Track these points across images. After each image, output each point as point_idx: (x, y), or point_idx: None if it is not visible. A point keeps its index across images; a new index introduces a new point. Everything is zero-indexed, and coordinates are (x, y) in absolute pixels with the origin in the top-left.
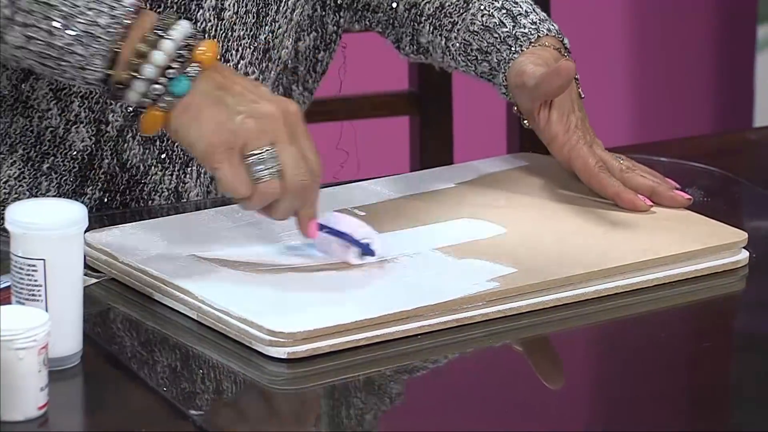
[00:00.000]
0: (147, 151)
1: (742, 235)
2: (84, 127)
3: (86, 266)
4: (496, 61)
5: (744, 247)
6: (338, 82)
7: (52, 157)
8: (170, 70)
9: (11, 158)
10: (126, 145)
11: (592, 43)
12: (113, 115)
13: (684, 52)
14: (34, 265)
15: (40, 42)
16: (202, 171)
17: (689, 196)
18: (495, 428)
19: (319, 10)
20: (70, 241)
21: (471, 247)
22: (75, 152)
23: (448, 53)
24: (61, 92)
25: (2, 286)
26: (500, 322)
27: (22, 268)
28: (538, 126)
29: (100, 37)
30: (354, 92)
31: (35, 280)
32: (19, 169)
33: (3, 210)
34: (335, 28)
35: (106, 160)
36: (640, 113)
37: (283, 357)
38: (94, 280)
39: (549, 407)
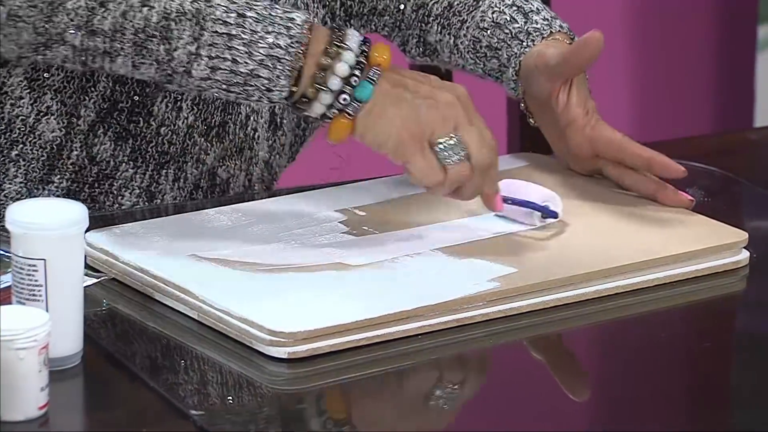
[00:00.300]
0: (118, 148)
1: (742, 235)
2: (55, 118)
3: (87, 266)
4: (506, 56)
5: (744, 247)
6: None
7: (21, 145)
8: (354, 78)
9: None
10: (97, 140)
11: None
12: (85, 110)
13: (684, 52)
14: (34, 265)
15: (225, 71)
16: (181, 176)
17: (692, 198)
18: (495, 428)
19: (329, 21)
20: (70, 241)
21: (472, 247)
22: (44, 142)
23: (456, 52)
24: (35, 83)
25: (2, 286)
26: (501, 322)
27: (22, 268)
28: (556, 109)
29: (283, 59)
30: None
31: (36, 280)
32: None
33: None
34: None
35: (75, 152)
36: (641, 113)
37: (283, 357)
38: (94, 280)
39: (550, 407)
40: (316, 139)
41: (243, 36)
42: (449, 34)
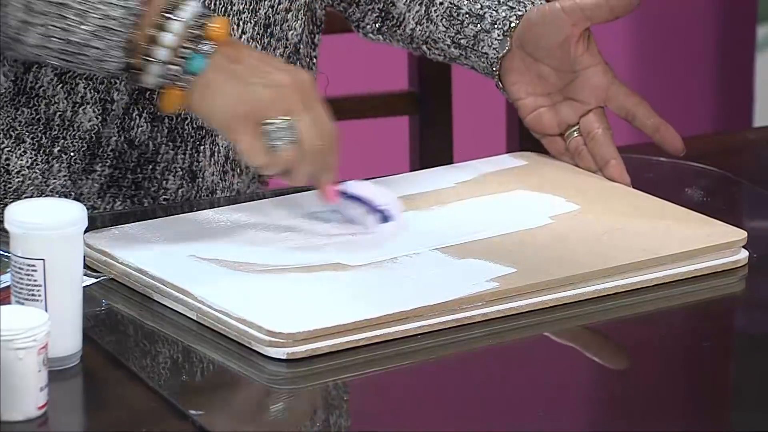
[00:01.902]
0: (155, 128)
1: (741, 234)
2: (90, 107)
3: (86, 266)
4: (489, 21)
5: (744, 247)
6: (331, 80)
7: (62, 140)
8: (184, 50)
9: (20, 149)
10: (133, 123)
11: None
12: (118, 94)
13: (684, 51)
14: (33, 265)
15: (58, 39)
16: (215, 150)
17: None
18: (495, 428)
19: None
20: (69, 240)
21: (470, 247)
22: (83, 132)
23: (426, 20)
24: (66, 75)
25: (2, 286)
26: (500, 322)
27: (21, 268)
28: (575, 53)
29: (115, 29)
30: (354, 92)
31: (35, 280)
32: (31, 157)
33: (19, 198)
34: (323, 11)
35: (114, 138)
36: None
37: (282, 357)
38: (93, 280)
39: (549, 407)
40: None
41: (74, 6)
42: (420, 3)
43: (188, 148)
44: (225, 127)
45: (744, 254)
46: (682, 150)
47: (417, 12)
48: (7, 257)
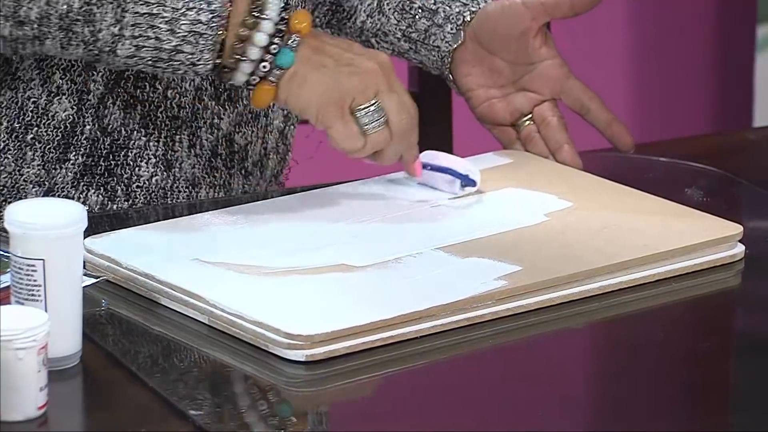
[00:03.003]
0: (128, 116)
1: (737, 229)
2: (66, 98)
3: (85, 266)
4: (442, 15)
5: (743, 247)
6: None
7: (36, 128)
8: (273, 46)
9: None
10: (107, 110)
11: (592, 42)
12: (94, 85)
13: (684, 51)
14: (33, 265)
15: (149, 48)
16: (197, 142)
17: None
18: (509, 426)
19: None
20: (69, 240)
21: (472, 246)
22: (57, 122)
23: (378, 13)
24: (43, 63)
25: (1, 286)
26: (508, 321)
27: (21, 268)
28: (532, 46)
29: (204, 33)
30: None
31: (34, 280)
32: (4, 141)
33: None
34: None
35: (88, 127)
36: (640, 113)
37: (301, 360)
38: (93, 280)
39: (564, 405)
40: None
41: (164, 14)
42: None
43: (162, 135)
44: (316, 116)
45: (740, 248)
46: (632, 147)
47: (369, 5)
48: (7, 257)
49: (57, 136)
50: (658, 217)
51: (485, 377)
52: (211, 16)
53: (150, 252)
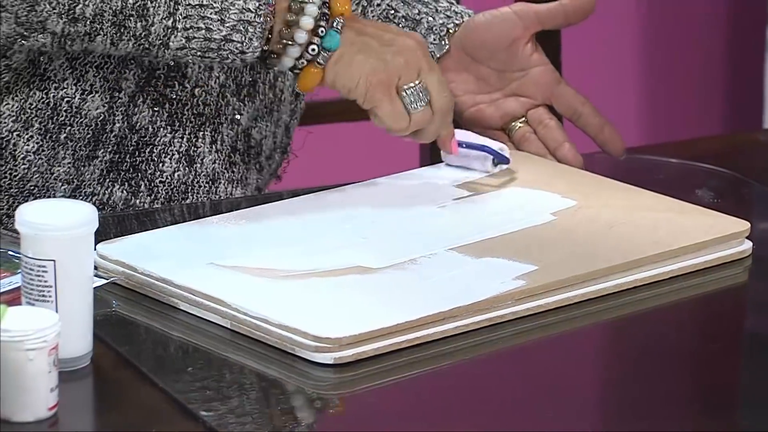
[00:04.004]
0: (156, 114)
1: (744, 225)
2: (99, 95)
3: (97, 269)
4: (426, 26)
5: (753, 247)
6: None
7: (69, 127)
8: (320, 29)
9: (27, 133)
10: (137, 108)
11: (604, 44)
12: (126, 83)
13: (694, 53)
14: (44, 266)
15: (200, 39)
16: (218, 138)
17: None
18: (531, 428)
19: None
20: (80, 241)
21: (485, 246)
22: (89, 120)
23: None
24: (77, 62)
25: (12, 286)
26: (527, 320)
27: (32, 269)
28: (521, 53)
29: (253, 21)
30: None
31: (45, 281)
32: (37, 143)
33: (23, 188)
34: None
35: (117, 124)
36: (651, 114)
37: (329, 362)
38: (103, 281)
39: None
40: (322, 142)
41: (214, 5)
42: (357, 3)
43: (186, 132)
44: (363, 96)
45: (748, 245)
46: (623, 152)
47: (354, 12)
48: (18, 258)
49: (88, 134)
50: (663, 214)
51: (509, 377)
52: (258, 3)
53: (164, 256)
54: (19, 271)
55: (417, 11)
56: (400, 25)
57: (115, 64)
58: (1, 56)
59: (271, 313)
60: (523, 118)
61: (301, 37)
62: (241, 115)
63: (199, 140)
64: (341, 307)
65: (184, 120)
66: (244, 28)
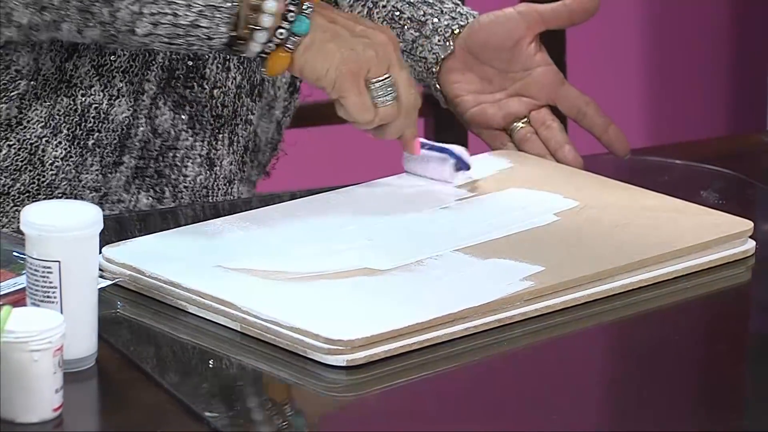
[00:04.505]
0: (176, 116)
1: (748, 224)
2: (125, 99)
3: (102, 270)
4: (431, 28)
5: (756, 247)
6: None
7: (97, 133)
8: (290, 13)
9: (56, 139)
10: (158, 111)
11: (607, 45)
12: (148, 84)
13: (698, 54)
14: (49, 267)
15: (166, 25)
16: (234, 139)
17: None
18: (542, 428)
19: None
20: (85, 242)
21: (490, 247)
22: (116, 125)
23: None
24: (103, 68)
25: (17, 288)
26: (535, 321)
27: (37, 270)
28: (525, 53)
29: (221, 7)
30: None
31: (50, 282)
32: (65, 149)
33: (52, 194)
34: None
35: (141, 128)
36: (655, 115)
37: (341, 365)
38: (108, 282)
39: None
40: (330, 142)
41: None
42: (363, 5)
43: (207, 135)
44: (332, 85)
45: (751, 244)
46: (628, 152)
47: (359, 13)
48: (23, 259)
49: (114, 139)
50: (666, 214)
51: (519, 378)
52: None
53: (171, 260)
54: (24, 272)
55: (422, 13)
56: (405, 27)
57: (138, 66)
58: (27, 62)
59: (281, 316)
60: (526, 119)
61: (267, 20)
62: (253, 114)
63: (219, 143)
64: (351, 309)
65: (204, 122)
66: (210, 13)
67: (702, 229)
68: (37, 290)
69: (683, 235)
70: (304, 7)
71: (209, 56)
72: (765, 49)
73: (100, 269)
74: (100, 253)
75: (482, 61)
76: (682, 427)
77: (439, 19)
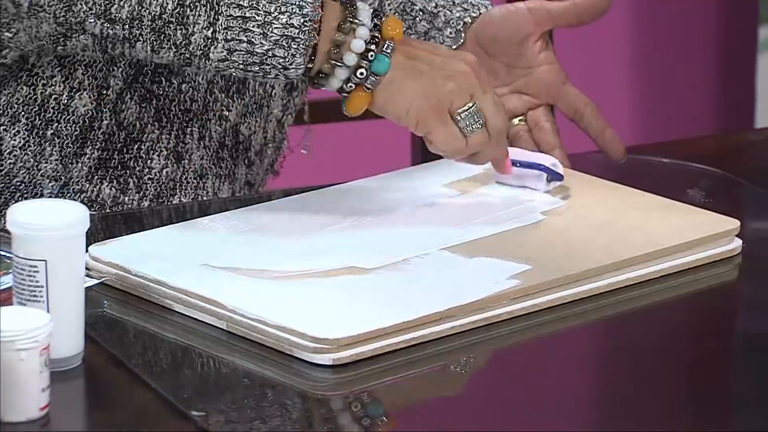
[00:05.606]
0: (143, 110)
1: (735, 223)
2: (86, 93)
3: (88, 269)
4: (443, 20)
5: (743, 246)
6: None
7: (56, 123)
8: (370, 53)
9: (14, 128)
10: (124, 105)
11: (595, 43)
12: (114, 80)
13: (686, 53)
14: (35, 266)
15: (242, 52)
16: (206, 134)
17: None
18: (531, 428)
19: None
20: (71, 242)
21: (477, 246)
22: (77, 117)
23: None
24: (65, 60)
25: (3, 287)
26: (521, 320)
27: (23, 269)
28: (532, 50)
29: (297, 38)
30: None
31: (36, 281)
32: (24, 138)
33: (9, 183)
34: None
35: (105, 122)
36: (642, 114)
37: (327, 363)
38: (95, 281)
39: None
40: (320, 141)
41: (257, 18)
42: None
43: (174, 128)
44: (414, 124)
45: (738, 243)
46: (624, 156)
47: (371, 4)
48: (9, 258)
49: (75, 131)
50: (652, 212)
51: (505, 377)
52: (303, 20)
53: (157, 258)
54: (11, 271)
55: (434, 4)
56: (417, 18)
57: (103, 62)
58: None
59: (267, 314)
60: (523, 116)
61: (350, 59)
62: (229, 111)
63: (187, 137)
64: (338, 308)
65: (172, 116)
66: (287, 43)
67: (689, 228)
68: (23, 289)
69: (670, 234)
70: (384, 46)
71: None
72: (752, 48)
73: (86, 268)
74: (87, 252)
75: (491, 55)
76: (669, 425)
77: (450, 11)
